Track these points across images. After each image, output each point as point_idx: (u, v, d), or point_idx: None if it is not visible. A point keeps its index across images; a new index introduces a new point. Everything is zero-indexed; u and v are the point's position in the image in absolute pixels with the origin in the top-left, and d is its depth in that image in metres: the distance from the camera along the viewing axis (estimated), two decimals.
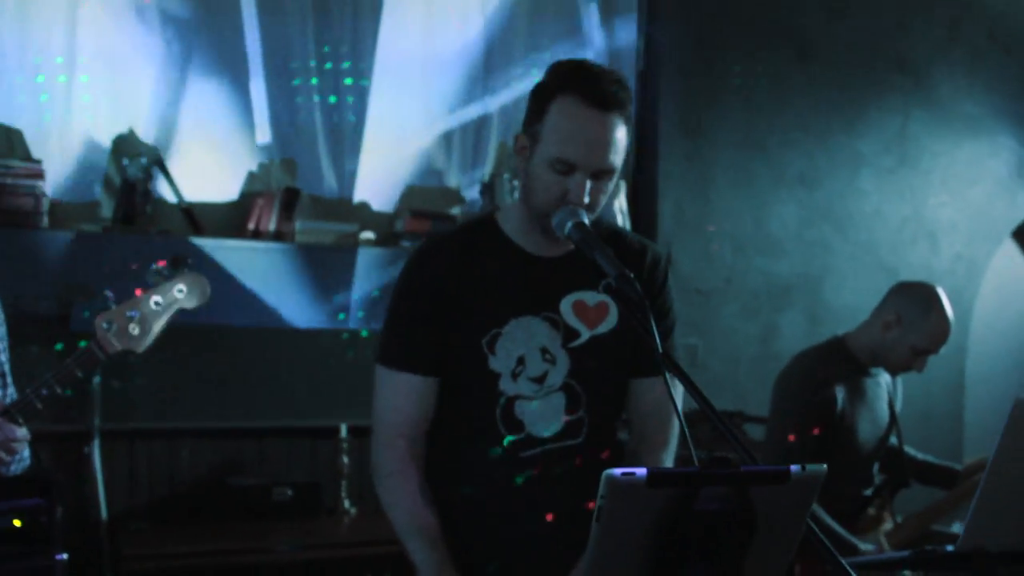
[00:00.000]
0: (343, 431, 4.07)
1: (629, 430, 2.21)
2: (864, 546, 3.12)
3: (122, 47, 3.97)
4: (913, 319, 3.19)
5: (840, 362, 3.23)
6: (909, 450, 3.50)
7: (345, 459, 4.06)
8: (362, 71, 4.31)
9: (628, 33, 4.71)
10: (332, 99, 4.26)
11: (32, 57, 3.86)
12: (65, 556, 2.55)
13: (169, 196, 4.00)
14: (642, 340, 1.78)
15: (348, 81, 4.29)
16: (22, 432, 2.25)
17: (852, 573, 1.43)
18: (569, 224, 1.92)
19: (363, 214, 4.33)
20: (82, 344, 2.33)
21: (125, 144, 3.96)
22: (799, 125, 4.94)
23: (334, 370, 4.15)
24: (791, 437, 3.12)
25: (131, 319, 2.27)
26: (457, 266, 2.07)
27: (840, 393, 3.15)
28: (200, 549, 3.62)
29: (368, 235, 4.24)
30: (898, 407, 3.37)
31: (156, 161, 3.94)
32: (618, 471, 1.35)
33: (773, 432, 3.25)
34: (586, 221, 1.93)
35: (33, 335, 3.59)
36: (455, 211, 4.43)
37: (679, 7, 4.69)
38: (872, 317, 3.30)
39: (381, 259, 4.20)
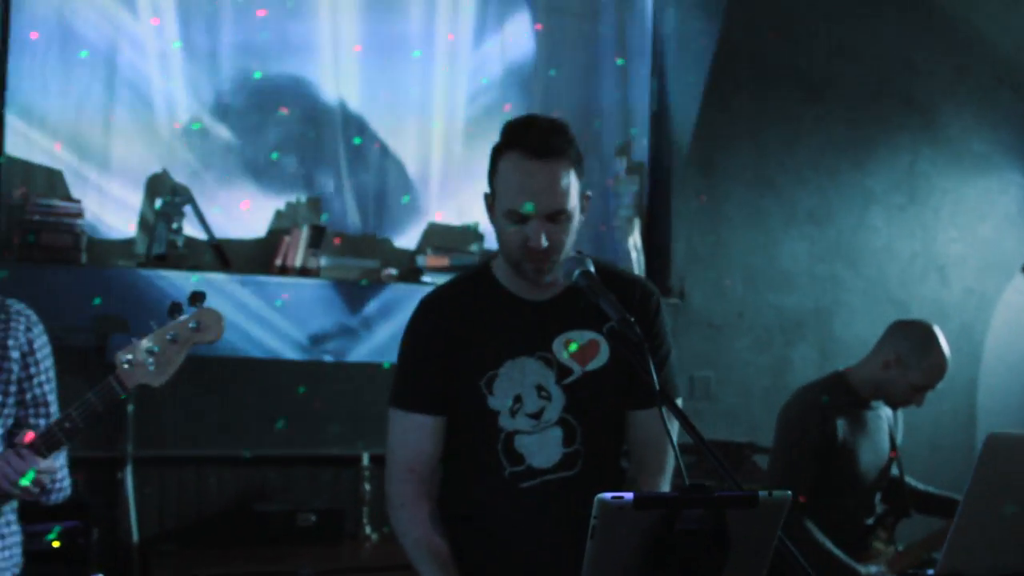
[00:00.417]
0: (365, 459, 4.18)
1: (629, 459, 2.35)
2: (866, 570, 3.20)
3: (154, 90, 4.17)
4: (912, 359, 3.27)
5: (841, 395, 3.31)
6: (910, 481, 3.56)
7: (367, 486, 4.17)
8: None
9: (642, 77, 4.88)
10: (356, 140, 4.45)
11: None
12: None
13: (199, 233, 4.16)
14: (637, 375, 1.91)
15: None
16: (46, 464, 2.26)
17: None
18: (577, 272, 2.07)
19: (385, 250, 4.49)
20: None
21: (158, 183, 4.13)
22: (810, 163, 5.01)
23: (357, 401, 4.25)
24: (793, 467, 3.22)
25: (149, 354, 2.26)
26: (457, 314, 2.23)
27: (841, 425, 3.25)
28: (226, 572, 3.73)
29: (391, 271, 4.40)
30: (899, 439, 3.45)
31: (187, 200, 4.10)
32: (608, 495, 1.50)
33: (776, 462, 3.35)
34: (592, 269, 2.07)
35: (72, 367, 3.71)
36: (474, 248, 4.58)
37: (691, 51, 4.78)
38: (872, 354, 3.38)
39: (403, 294, 4.32)
